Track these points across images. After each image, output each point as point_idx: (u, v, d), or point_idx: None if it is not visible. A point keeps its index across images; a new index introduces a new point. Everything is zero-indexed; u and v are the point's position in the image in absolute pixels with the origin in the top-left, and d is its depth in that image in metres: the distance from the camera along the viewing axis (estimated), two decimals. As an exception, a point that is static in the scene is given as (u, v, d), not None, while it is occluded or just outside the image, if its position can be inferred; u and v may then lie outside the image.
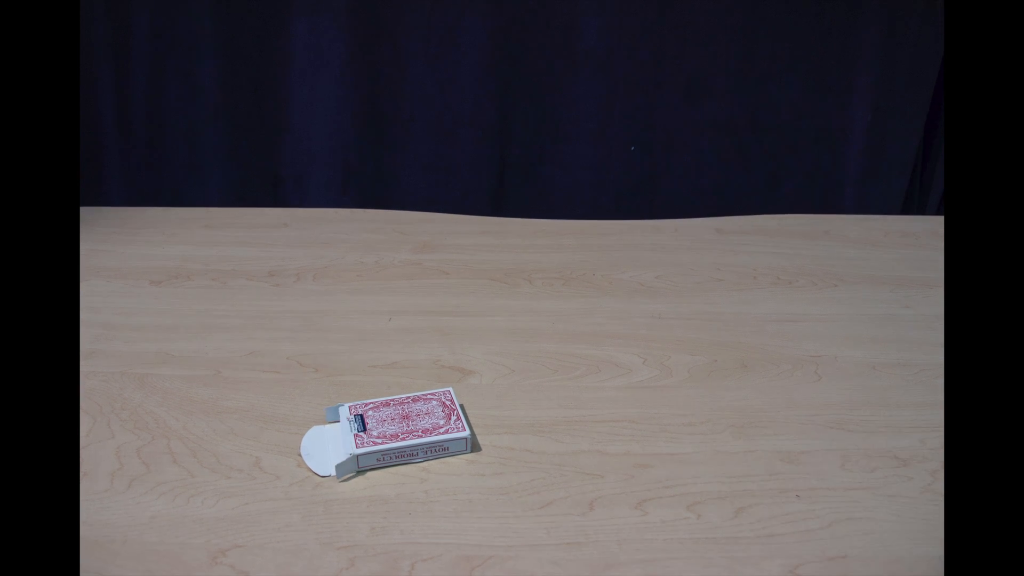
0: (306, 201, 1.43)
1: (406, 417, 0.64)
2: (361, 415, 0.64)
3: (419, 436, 0.62)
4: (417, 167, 1.41)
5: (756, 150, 1.39)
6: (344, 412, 0.65)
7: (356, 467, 0.61)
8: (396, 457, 0.62)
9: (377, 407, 0.65)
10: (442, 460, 0.63)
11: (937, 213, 1.44)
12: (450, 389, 0.68)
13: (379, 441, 0.61)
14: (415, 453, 0.62)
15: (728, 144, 1.38)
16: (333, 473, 0.60)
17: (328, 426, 0.65)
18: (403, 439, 0.62)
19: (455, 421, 0.64)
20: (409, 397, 0.67)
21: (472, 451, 0.63)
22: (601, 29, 1.32)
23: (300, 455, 0.63)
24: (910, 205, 1.45)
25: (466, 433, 0.62)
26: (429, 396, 0.67)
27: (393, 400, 0.66)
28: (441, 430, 0.63)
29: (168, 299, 0.85)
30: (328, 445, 0.63)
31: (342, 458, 0.61)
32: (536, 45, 1.33)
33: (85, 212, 1.05)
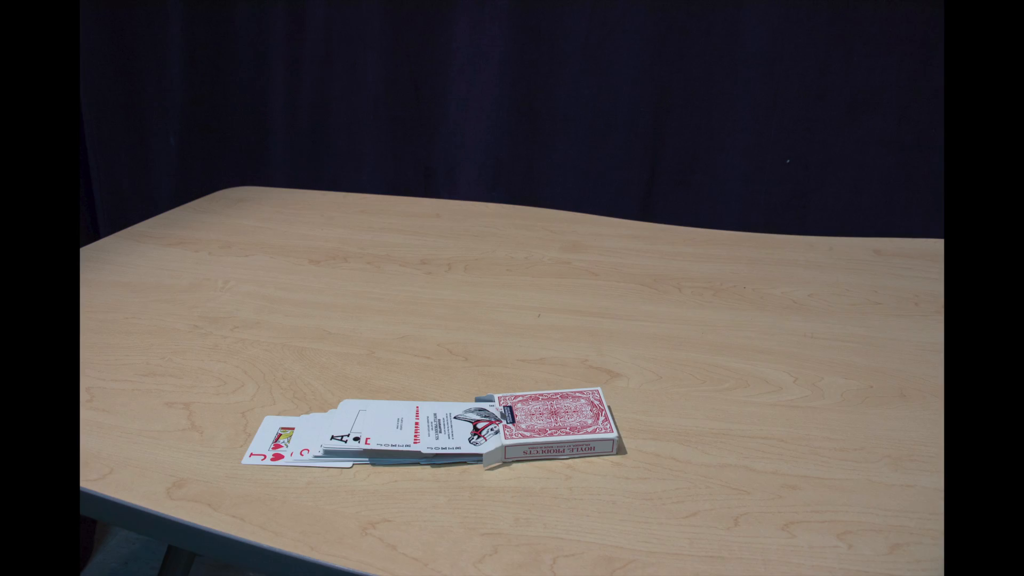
0: (455, 194, 1.47)
1: (554, 413, 0.65)
2: (511, 407, 0.65)
3: (567, 433, 0.62)
4: (567, 168, 1.42)
5: (922, 170, 1.32)
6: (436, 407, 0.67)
7: (503, 457, 0.62)
8: (543, 452, 0.62)
9: (526, 400, 0.66)
10: (587, 459, 0.63)
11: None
12: (599, 389, 0.68)
13: (527, 434, 0.62)
14: (562, 449, 0.62)
15: (892, 162, 1.32)
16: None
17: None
18: (551, 434, 0.62)
19: (603, 422, 0.64)
20: (558, 393, 0.67)
21: (618, 453, 0.63)
22: (763, 35, 1.29)
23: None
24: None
25: (614, 435, 0.62)
26: (578, 394, 0.67)
27: (542, 395, 0.67)
28: (589, 429, 0.63)
29: (326, 278, 0.89)
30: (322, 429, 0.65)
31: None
32: (694, 49, 1.32)
33: (251, 191, 1.11)
